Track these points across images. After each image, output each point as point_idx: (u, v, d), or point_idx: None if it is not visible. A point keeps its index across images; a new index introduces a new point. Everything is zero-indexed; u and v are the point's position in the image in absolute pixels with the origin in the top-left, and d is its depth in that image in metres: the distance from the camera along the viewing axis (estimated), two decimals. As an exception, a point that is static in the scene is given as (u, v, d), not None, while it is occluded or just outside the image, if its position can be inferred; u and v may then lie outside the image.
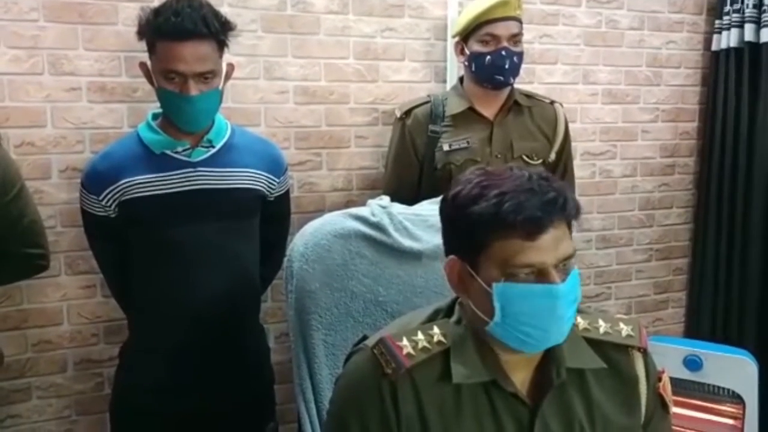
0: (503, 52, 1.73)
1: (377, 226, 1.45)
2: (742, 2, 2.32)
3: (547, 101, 1.94)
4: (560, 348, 0.96)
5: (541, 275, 0.89)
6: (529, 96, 1.91)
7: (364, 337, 1.03)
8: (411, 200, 1.66)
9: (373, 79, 2.03)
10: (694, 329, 2.56)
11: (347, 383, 0.98)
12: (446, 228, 0.99)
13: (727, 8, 2.35)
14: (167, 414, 1.47)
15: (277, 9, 1.90)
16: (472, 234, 0.91)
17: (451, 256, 0.97)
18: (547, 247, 0.88)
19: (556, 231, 0.89)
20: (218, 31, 1.40)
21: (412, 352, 0.94)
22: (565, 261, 0.90)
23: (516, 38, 1.75)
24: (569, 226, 0.93)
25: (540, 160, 1.85)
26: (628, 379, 1.02)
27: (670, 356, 2.02)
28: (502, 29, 1.73)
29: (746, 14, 2.32)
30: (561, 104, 1.95)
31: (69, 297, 1.79)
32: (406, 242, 1.45)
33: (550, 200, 0.88)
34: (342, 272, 1.41)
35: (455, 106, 1.83)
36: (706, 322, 2.51)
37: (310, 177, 2.00)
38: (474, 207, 0.90)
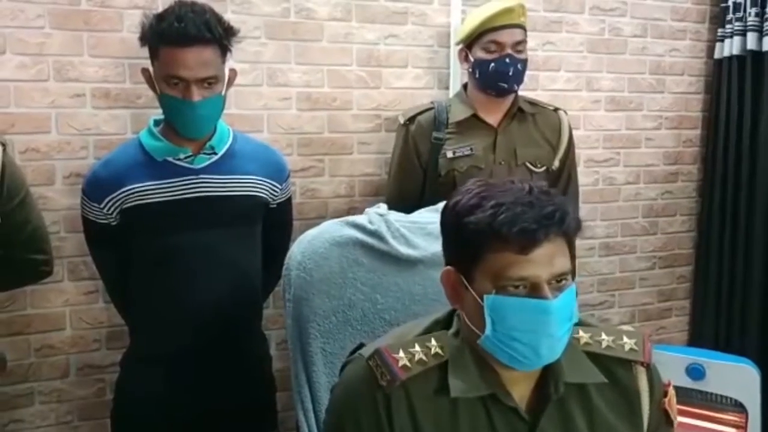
0: (507, 60, 1.73)
1: (375, 234, 1.45)
2: (745, 11, 2.32)
3: (551, 108, 1.94)
4: (559, 362, 0.94)
5: (533, 290, 0.87)
6: (533, 103, 1.91)
7: (361, 345, 1.02)
8: (414, 207, 1.65)
9: (375, 86, 2.04)
10: (697, 337, 2.55)
11: (343, 393, 0.97)
12: (444, 237, 0.99)
13: (730, 16, 2.36)
14: (168, 422, 1.47)
15: (281, 16, 1.91)
16: (467, 244, 0.90)
17: (448, 267, 0.97)
18: (540, 262, 0.87)
19: (551, 246, 0.87)
20: (221, 36, 1.40)
21: (408, 364, 0.93)
22: (559, 277, 0.89)
23: (520, 45, 1.76)
24: (570, 244, 0.91)
25: (544, 168, 1.84)
26: (630, 393, 1.00)
27: (672, 365, 2.01)
28: (507, 36, 1.73)
29: (749, 23, 2.32)
30: (565, 111, 1.95)
31: (71, 302, 1.80)
32: (404, 250, 1.45)
33: (547, 214, 0.87)
34: (340, 280, 1.41)
35: (459, 112, 1.83)
36: (710, 330, 2.50)
37: (312, 183, 2.01)
38: (470, 217, 0.89)
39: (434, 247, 1.45)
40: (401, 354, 0.94)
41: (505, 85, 1.76)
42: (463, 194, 0.94)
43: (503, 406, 0.93)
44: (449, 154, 1.80)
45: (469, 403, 0.93)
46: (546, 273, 0.87)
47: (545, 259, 0.87)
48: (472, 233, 0.88)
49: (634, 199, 2.45)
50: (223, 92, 1.45)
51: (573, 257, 0.93)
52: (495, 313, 0.88)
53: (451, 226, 0.95)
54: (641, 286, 2.51)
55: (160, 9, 1.63)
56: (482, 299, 0.89)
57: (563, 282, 0.90)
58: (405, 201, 1.75)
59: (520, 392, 0.95)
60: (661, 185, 2.49)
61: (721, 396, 2.03)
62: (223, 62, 1.44)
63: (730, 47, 2.36)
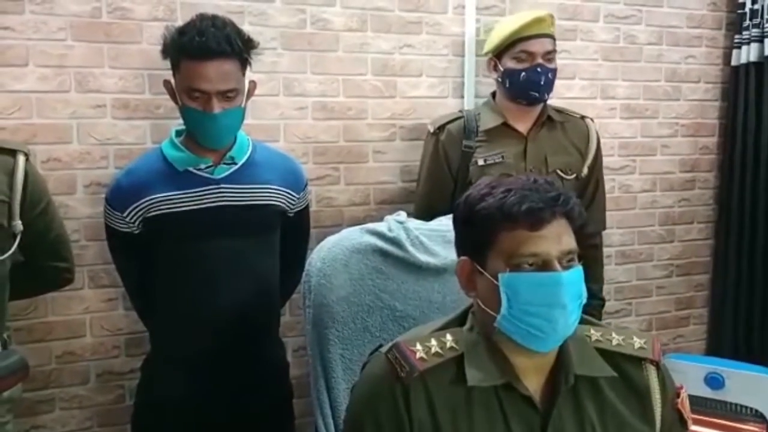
0: (538, 69, 1.74)
1: (394, 241, 1.46)
2: (762, 17, 2.32)
3: (578, 116, 1.95)
4: (569, 355, 0.99)
5: (544, 266, 0.93)
6: (561, 111, 1.92)
7: (380, 346, 1.05)
8: (445, 215, 1.65)
9: (390, 95, 2.05)
10: (715, 346, 2.52)
11: (362, 389, 1.01)
12: (457, 230, 1.04)
13: (747, 23, 2.35)
14: (187, 427, 1.48)
15: (297, 27, 1.93)
16: (479, 230, 0.96)
17: (462, 257, 1.02)
18: (550, 238, 0.93)
19: (557, 226, 0.94)
20: (241, 50, 1.42)
21: (424, 356, 0.97)
22: (568, 255, 0.95)
23: (550, 55, 1.77)
24: (577, 231, 0.97)
25: (574, 175, 1.85)
26: (641, 390, 1.03)
27: (691, 374, 1.99)
28: (537, 46, 1.74)
29: (766, 29, 2.32)
30: (592, 119, 1.96)
31: (92, 310, 1.82)
32: (423, 257, 1.46)
33: (552, 197, 0.95)
34: (359, 287, 1.42)
35: (489, 121, 1.84)
36: (728, 339, 2.48)
37: (328, 192, 2.02)
38: (482, 204, 0.96)
39: (453, 254, 1.45)
40: (418, 347, 0.98)
41: (537, 95, 1.77)
42: (474, 188, 1.01)
43: (516, 397, 0.96)
44: (480, 162, 1.81)
45: (483, 394, 0.96)
46: (555, 249, 0.94)
47: (554, 236, 0.94)
48: (484, 218, 0.96)
49: (651, 206, 2.44)
50: (243, 104, 1.47)
51: (580, 245, 0.98)
52: (510, 290, 0.93)
53: (463, 217, 1.01)
54: (658, 294, 2.49)
55: (179, 21, 1.67)
56: (497, 279, 0.94)
57: (571, 262, 0.96)
58: (435, 209, 1.73)
59: (533, 384, 0.99)
60: (677, 193, 2.48)
61: (741, 406, 2.00)
62: (243, 74, 1.46)
63: (747, 54, 2.36)
